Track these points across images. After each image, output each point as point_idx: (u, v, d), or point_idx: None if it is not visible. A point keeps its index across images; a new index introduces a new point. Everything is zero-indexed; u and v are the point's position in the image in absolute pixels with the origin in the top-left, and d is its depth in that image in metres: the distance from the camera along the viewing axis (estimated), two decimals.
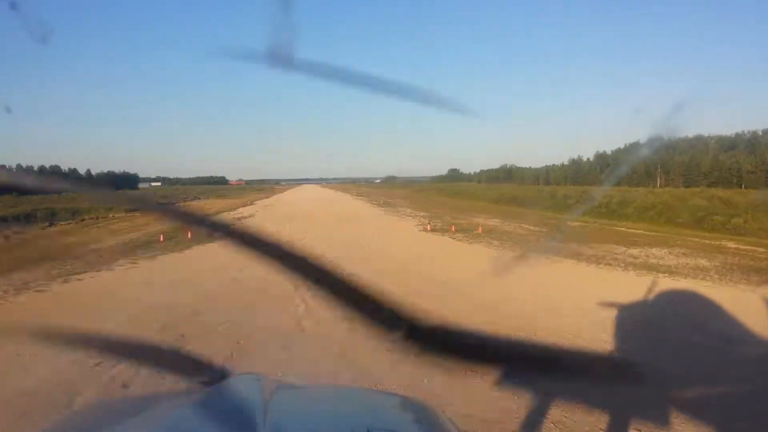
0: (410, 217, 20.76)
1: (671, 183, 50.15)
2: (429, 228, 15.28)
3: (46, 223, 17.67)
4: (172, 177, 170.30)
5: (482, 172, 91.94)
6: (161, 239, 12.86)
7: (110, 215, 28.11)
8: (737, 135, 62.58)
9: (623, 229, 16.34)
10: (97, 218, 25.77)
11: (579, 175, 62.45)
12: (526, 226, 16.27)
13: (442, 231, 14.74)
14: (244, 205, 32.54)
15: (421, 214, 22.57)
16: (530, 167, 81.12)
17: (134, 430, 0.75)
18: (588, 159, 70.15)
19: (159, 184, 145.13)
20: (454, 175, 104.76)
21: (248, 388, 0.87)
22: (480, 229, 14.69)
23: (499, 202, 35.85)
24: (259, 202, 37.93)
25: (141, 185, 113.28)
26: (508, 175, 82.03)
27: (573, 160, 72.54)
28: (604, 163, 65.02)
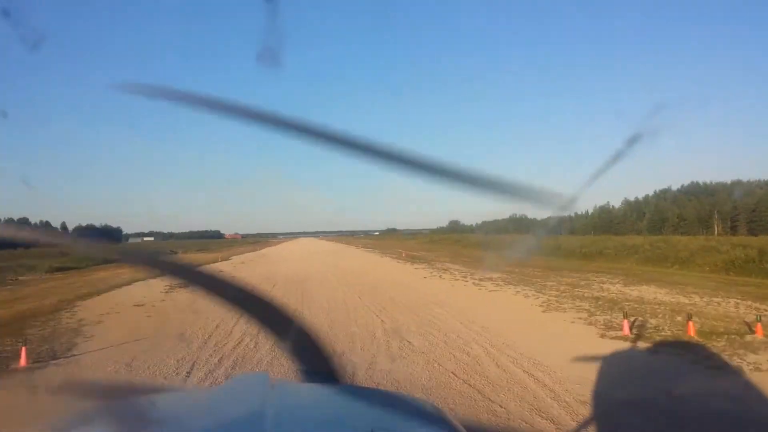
0: (480, 282, 12.35)
1: (733, 231, 42.26)
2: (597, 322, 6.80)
3: None
4: (165, 231, 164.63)
5: (485, 223, 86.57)
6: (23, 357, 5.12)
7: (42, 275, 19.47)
8: None
9: None
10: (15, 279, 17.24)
11: (611, 223, 54.59)
12: (717, 300, 8.05)
13: (605, 326, 6.38)
14: (215, 261, 24.37)
15: (480, 273, 14.19)
16: (536, 219, 76.29)
17: (137, 429, 0.74)
18: (613, 206, 62.85)
19: (152, 239, 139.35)
20: (455, 227, 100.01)
21: (252, 387, 0.86)
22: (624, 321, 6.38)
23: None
24: (235, 257, 29.67)
25: (132, 240, 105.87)
26: (518, 225, 75.85)
27: (601, 207, 64.75)
28: (639, 210, 57.76)
